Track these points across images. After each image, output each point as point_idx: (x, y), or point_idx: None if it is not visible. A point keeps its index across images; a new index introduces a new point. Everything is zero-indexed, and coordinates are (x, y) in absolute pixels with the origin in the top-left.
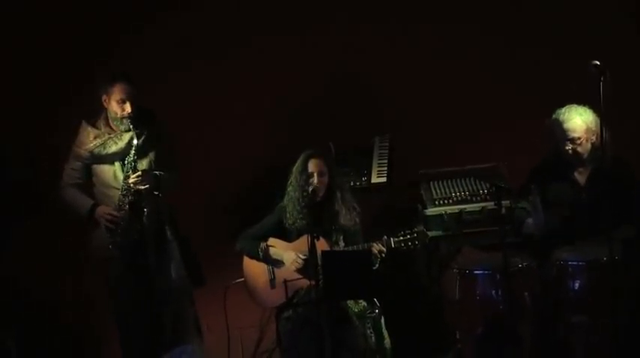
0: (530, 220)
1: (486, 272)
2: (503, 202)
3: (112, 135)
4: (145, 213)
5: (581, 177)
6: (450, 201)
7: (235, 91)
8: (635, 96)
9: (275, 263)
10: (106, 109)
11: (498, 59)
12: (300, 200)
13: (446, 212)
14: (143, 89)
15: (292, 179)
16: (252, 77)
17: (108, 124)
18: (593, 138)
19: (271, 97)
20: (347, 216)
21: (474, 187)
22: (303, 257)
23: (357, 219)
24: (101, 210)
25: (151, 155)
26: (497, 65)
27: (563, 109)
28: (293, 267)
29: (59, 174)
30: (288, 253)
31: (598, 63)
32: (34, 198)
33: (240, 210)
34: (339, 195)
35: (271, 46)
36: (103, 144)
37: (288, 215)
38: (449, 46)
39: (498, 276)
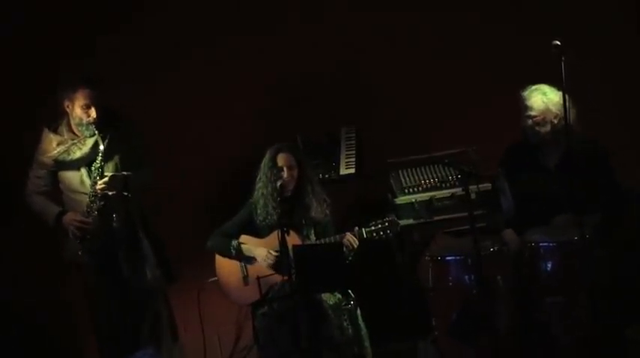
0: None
1: (458, 257)
2: (471, 187)
3: (75, 141)
4: (115, 218)
5: (550, 160)
6: (420, 188)
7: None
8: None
9: (247, 260)
10: (67, 115)
11: (483, 47)
12: (271, 195)
13: (416, 200)
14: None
15: (261, 175)
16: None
17: (71, 130)
18: (555, 120)
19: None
20: (318, 209)
21: (443, 174)
22: (275, 253)
23: (328, 211)
24: (68, 217)
25: (116, 158)
26: (484, 53)
27: (534, 86)
28: (265, 264)
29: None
30: (260, 250)
31: (559, 43)
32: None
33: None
34: (309, 188)
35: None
36: (67, 151)
37: (258, 211)
38: (432, 34)
39: (470, 261)
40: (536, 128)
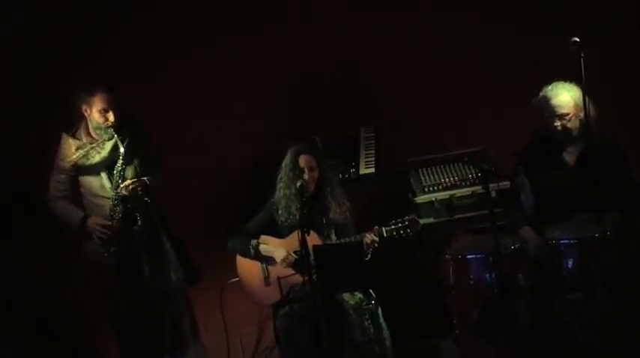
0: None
1: (479, 256)
2: (491, 185)
3: (94, 145)
4: (138, 221)
5: (570, 157)
6: (440, 187)
7: (235, 91)
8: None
9: (267, 260)
10: (85, 118)
11: (483, 47)
12: (294, 196)
13: (436, 198)
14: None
15: (282, 175)
16: (251, 77)
17: (89, 134)
18: (581, 114)
19: (272, 97)
20: (337, 211)
21: (463, 172)
22: (295, 254)
23: (347, 214)
24: (93, 221)
25: (136, 162)
26: (484, 53)
27: (550, 86)
28: (284, 265)
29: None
30: (279, 250)
31: (577, 40)
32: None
33: (238, 209)
34: (329, 189)
35: (271, 46)
36: (86, 155)
37: (280, 211)
38: (432, 34)
39: (491, 259)
40: (568, 125)
